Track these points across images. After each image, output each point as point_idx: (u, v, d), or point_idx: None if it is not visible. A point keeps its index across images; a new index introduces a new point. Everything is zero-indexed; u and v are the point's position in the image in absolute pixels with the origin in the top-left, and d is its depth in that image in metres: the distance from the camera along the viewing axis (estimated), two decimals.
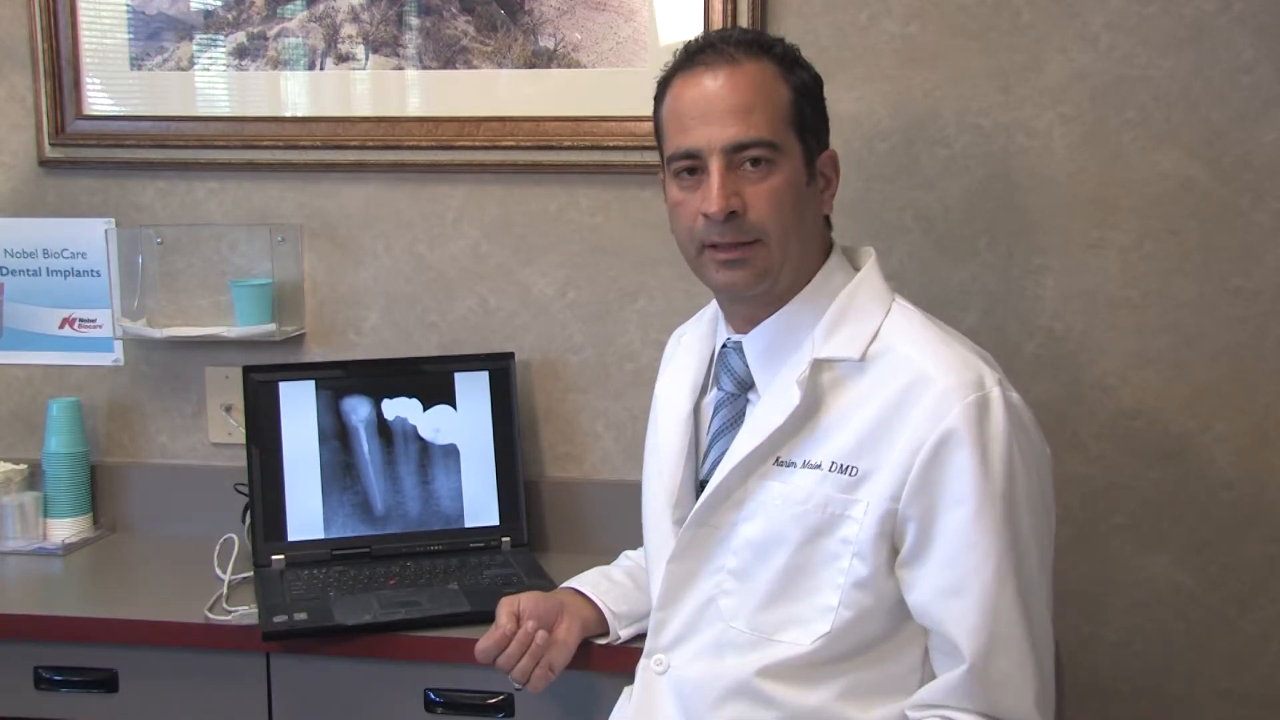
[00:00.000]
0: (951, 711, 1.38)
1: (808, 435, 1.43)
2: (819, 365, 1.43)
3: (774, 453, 1.44)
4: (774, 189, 1.43)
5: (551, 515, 2.17)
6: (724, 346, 1.54)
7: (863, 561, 1.40)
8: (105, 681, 1.86)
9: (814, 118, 1.47)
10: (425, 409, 2.10)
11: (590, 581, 1.76)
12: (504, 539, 2.09)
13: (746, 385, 1.51)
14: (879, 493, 1.39)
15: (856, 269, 1.51)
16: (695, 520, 1.48)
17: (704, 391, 1.58)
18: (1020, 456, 1.38)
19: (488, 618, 1.79)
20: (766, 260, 1.45)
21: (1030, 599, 1.38)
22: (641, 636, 1.61)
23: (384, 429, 2.09)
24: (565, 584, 1.77)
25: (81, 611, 1.90)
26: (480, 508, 2.09)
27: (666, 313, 2.13)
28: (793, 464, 1.43)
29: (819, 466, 1.42)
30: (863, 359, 1.42)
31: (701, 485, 1.53)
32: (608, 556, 2.08)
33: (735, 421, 1.51)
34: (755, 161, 1.43)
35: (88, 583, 2.07)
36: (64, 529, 2.18)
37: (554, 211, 2.15)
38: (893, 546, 1.40)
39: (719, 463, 1.50)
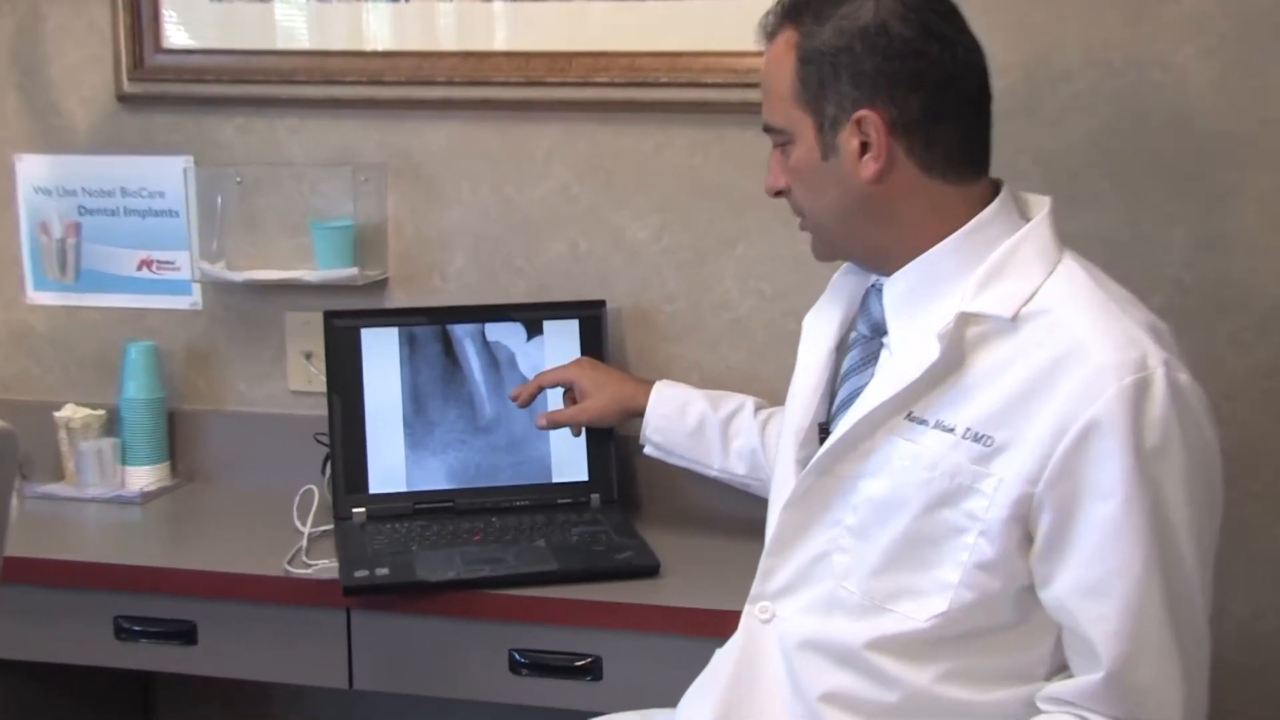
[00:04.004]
0: (1086, 713, 1.35)
1: (945, 393, 1.40)
2: (965, 319, 1.39)
3: (907, 406, 1.42)
4: (794, 170, 1.49)
5: (643, 472, 2.18)
6: (872, 286, 1.54)
7: (989, 542, 1.37)
8: (184, 633, 1.91)
9: (833, 81, 1.42)
10: (527, 340, 2.14)
11: (665, 397, 1.97)
12: (593, 495, 2.11)
13: (880, 330, 1.50)
14: (1015, 471, 1.35)
15: (1027, 219, 1.47)
16: (817, 467, 1.47)
17: (853, 328, 1.57)
18: (1182, 446, 1.32)
19: (576, 576, 1.84)
20: (818, 234, 1.53)
21: (1182, 602, 1.33)
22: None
23: (486, 352, 2.13)
24: (660, 381, 2.01)
25: (161, 562, 1.95)
26: (569, 463, 2.11)
27: (766, 259, 2.13)
28: (925, 422, 1.41)
29: (952, 430, 1.39)
30: (1014, 319, 1.38)
31: (824, 429, 1.53)
32: (701, 517, 2.12)
33: (866, 363, 1.51)
34: (781, 144, 1.51)
35: (166, 532, 2.13)
36: (142, 476, 2.24)
37: (649, 151, 2.15)
38: (1026, 532, 1.37)
39: (846, 407, 1.49)
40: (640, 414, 1.99)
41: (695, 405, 1.97)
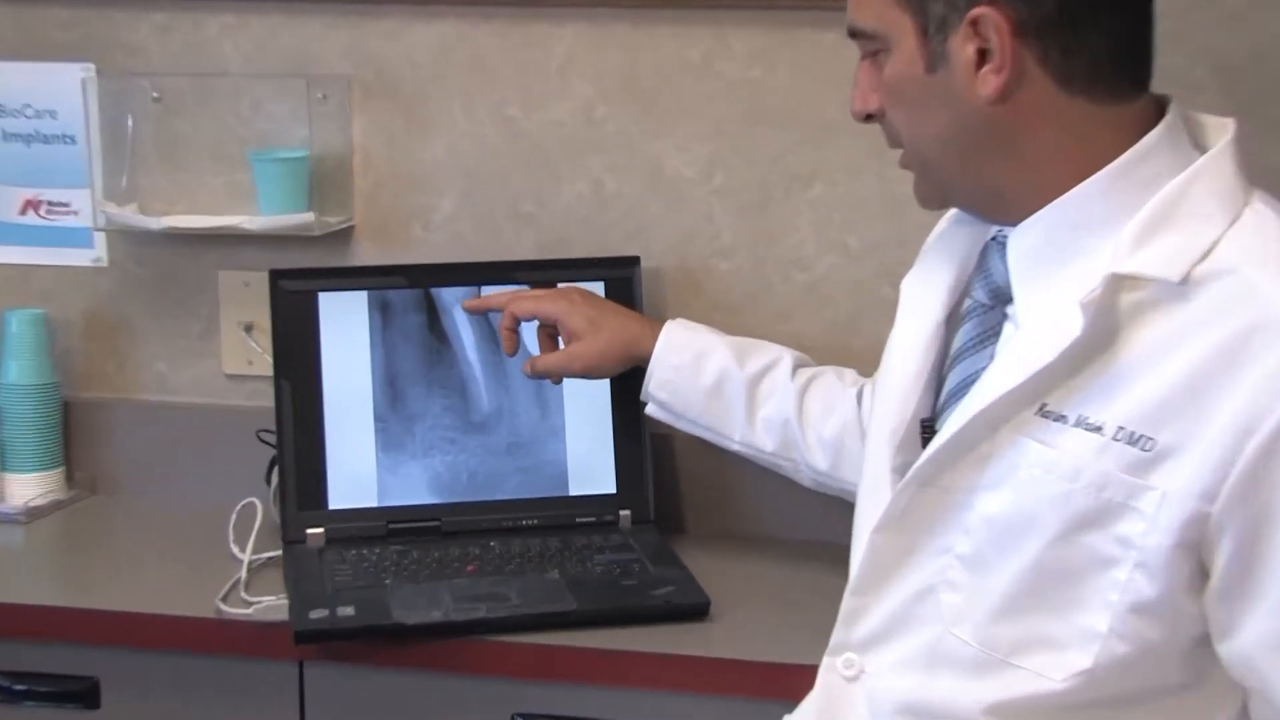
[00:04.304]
0: None
1: (1091, 380, 1.40)
2: (1118, 283, 1.39)
3: (1039, 398, 1.42)
4: (889, 87, 1.50)
5: (688, 483, 2.23)
6: (992, 239, 1.55)
7: (1149, 578, 1.37)
8: (83, 693, 1.94)
9: None
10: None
11: (677, 343, 2.02)
12: (622, 512, 2.15)
13: (1003, 297, 1.51)
14: (1185, 484, 1.34)
15: (1202, 149, 1.46)
16: (920, 477, 1.48)
17: (967, 295, 1.58)
18: None
19: (600, 618, 1.86)
20: (921, 172, 1.54)
21: None
22: None
23: (483, 325, 2.17)
24: (672, 320, 2.06)
25: (53, 599, 1.98)
26: (591, 471, 2.16)
27: (851, 203, 2.16)
28: (1063, 418, 1.41)
29: (1099, 429, 1.38)
30: (1184, 282, 1.37)
31: (929, 427, 1.54)
32: (763, 539, 2.17)
33: (984, 340, 1.52)
34: (872, 53, 1.51)
35: (60, 561, 2.18)
36: (27, 488, 2.28)
37: (697, 61, 2.18)
38: (1199, 565, 1.37)
39: (958, 398, 1.50)
40: (645, 362, 2.04)
41: (715, 357, 2.00)
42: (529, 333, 2.08)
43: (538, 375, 2.07)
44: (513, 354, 2.08)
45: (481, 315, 2.15)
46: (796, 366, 2.00)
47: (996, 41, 1.41)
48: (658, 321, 2.05)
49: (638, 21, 2.18)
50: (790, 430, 1.96)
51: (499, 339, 2.11)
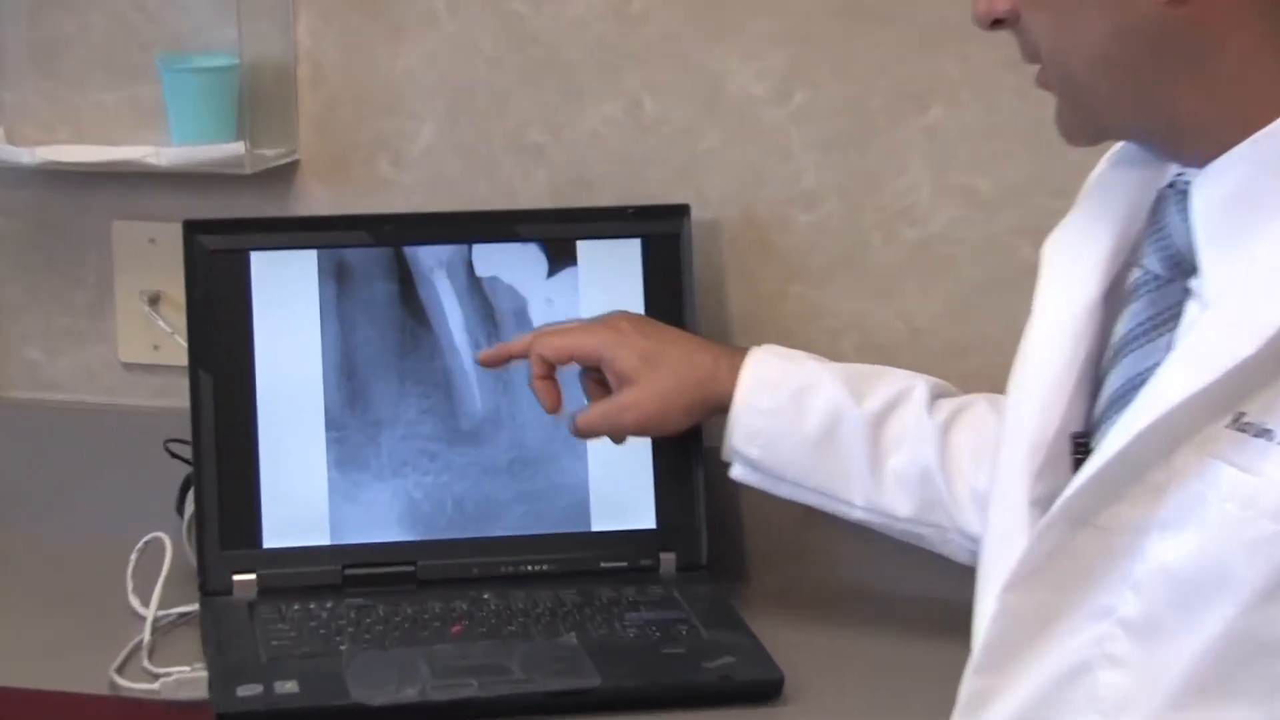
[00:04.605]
0: None
1: None
2: None
3: (1234, 406, 1.41)
4: None
5: (752, 518, 2.24)
6: (1169, 186, 1.55)
7: None
8: None
9: None
10: (550, 274, 2.18)
11: (768, 378, 2.01)
12: (663, 555, 2.17)
13: (1184, 267, 1.51)
14: None
15: None
16: (1070, 512, 1.48)
17: (1135, 262, 1.57)
18: None
19: (633, 699, 1.88)
20: (1068, 96, 1.54)
21: None
22: None
23: (476, 297, 2.17)
24: (758, 347, 2.05)
25: None
26: (622, 499, 2.17)
27: (980, 133, 2.17)
28: (1268, 434, 1.40)
29: None
30: None
31: (1082, 444, 1.55)
32: (852, 594, 2.19)
33: (1159, 326, 1.51)
34: None
35: None
36: None
37: None
38: None
39: (1123, 405, 1.50)
40: (723, 408, 2.02)
41: (822, 392, 1.99)
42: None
43: (592, 434, 2.06)
44: (554, 411, 2.05)
45: (480, 300, 2.14)
46: (934, 397, 1.98)
47: None
48: (737, 351, 2.04)
49: None
50: (933, 485, 1.94)
51: (498, 320, 2.12)
